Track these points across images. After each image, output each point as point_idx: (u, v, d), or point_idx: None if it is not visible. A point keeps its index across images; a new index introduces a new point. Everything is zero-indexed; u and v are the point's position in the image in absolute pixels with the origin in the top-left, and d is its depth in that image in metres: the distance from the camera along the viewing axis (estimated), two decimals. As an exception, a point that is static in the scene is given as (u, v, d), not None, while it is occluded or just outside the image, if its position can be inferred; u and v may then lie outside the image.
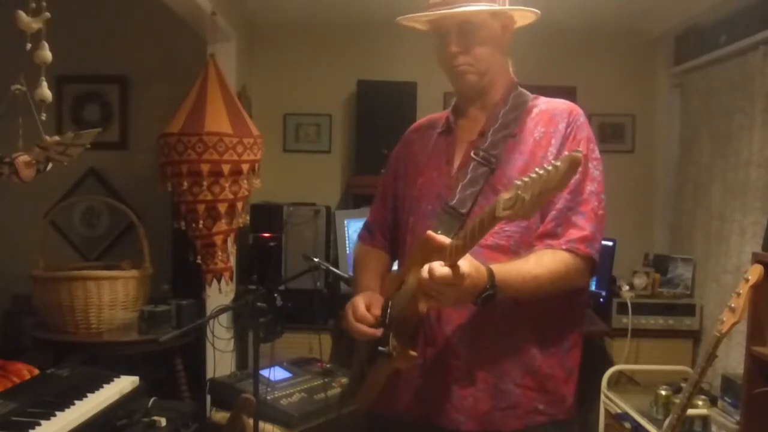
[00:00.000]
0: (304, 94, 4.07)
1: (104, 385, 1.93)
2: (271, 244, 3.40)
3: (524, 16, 1.54)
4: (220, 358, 3.09)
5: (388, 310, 1.46)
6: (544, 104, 1.53)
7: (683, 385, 2.43)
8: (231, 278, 3.16)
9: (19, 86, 1.66)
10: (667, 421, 2.27)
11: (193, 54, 3.36)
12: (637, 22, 3.90)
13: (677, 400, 2.26)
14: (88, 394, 1.83)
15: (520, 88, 1.57)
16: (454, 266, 1.21)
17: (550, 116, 1.48)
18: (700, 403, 2.74)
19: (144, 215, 3.42)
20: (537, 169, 1.03)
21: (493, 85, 1.54)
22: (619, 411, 3.06)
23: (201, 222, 2.94)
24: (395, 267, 1.72)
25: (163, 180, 3.00)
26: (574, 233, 1.40)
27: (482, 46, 1.48)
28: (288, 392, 2.65)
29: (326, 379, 2.75)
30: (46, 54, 1.62)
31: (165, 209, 3.46)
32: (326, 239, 3.50)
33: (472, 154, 1.49)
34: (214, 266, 3.03)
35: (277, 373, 2.78)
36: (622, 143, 4.07)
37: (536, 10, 1.52)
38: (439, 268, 1.21)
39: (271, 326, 2.22)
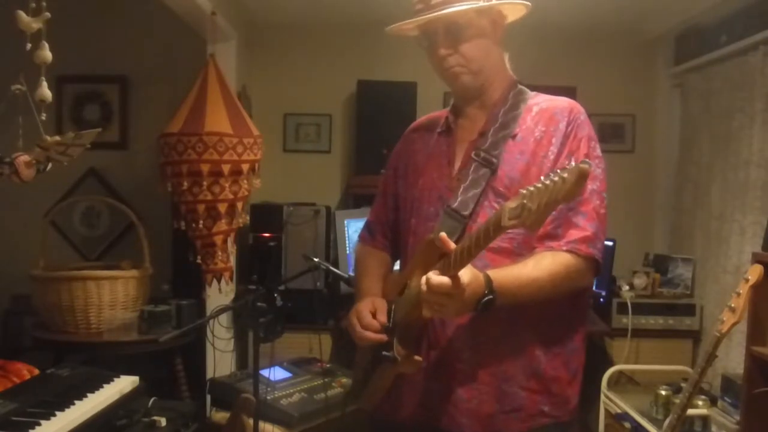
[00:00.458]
0: (304, 94, 4.07)
1: (104, 385, 1.93)
2: (271, 244, 3.40)
3: (515, 10, 1.52)
4: (220, 358, 3.09)
5: (392, 315, 1.46)
6: (544, 102, 1.51)
7: (683, 385, 2.43)
8: (231, 278, 3.16)
9: (19, 86, 1.67)
10: (667, 421, 2.27)
11: (193, 54, 3.36)
12: (637, 22, 3.90)
13: (677, 400, 2.25)
14: (88, 394, 1.83)
15: (520, 86, 1.55)
16: (454, 277, 1.20)
17: (551, 115, 1.47)
18: (700, 403, 2.74)
19: (144, 215, 3.42)
20: (543, 179, 1.02)
21: (490, 84, 1.52)
22: (619, 411, 3.06)
23: (201, 222, 2.94)
24: (396, 267, 1.71)
25: (163, 180, 3.00)
26: (574, 234, 1.38)
27: (471, 46, 1.46)
28: (288, 392, 2.65)
29: (326, 379, 2.75)
30: (46, 54, 1.62)
31: (165, 209, 3.46)
32: (326, 239, 3.50)
33: (472, 155, 1.47)
34: (214, 266, 3.03)
35: (277, 373, 2.78)
36: (622, 143, 4.07)
37: (526, 2, 1.50)
38: (435, 277, 1.21)
39: (271, 326, 2.21)
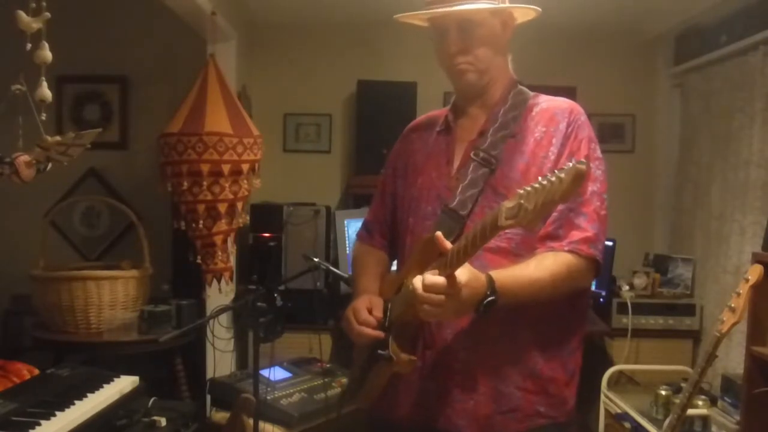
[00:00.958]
0: (304, 94, 4.07)
1: (104, 385, 1.93)
2: (271, 244, 3.40)
3: (525, 13, 1.53)
4: (220, 358, 3.09)
5: (388, 314, 1.46)
6: (544, 103, 1.50)
7: (683, 385, 2.43)
8: (231, 278, 3.16)
9: (19, 86, 1.67)
10: (667, 421, 2.27)
11: (193, 54, 3.36)
12: (637, 22, 3.90)
13: (677, 400, 2.26)
14: (88, 394, 1.83)
15: (520, 86, 1.55)
16: (450, 276, 1.20)
17: (551, 115, 1.46)
18: (700, 403, 2.74)
19: (144, 215, 3.42)
20: (540, 179, 1.02)
21: (493, 84, 1.52)
22: (619, 411, 3.06)
23: (201, 222, 2.94)
24: (394, 267, 1.71)
25: (163, 180, 3.00)
26: (576, 234, 1.38)
27: (482, 45, 1.47)
28: (288, 392, 2.66)
29: (326, 379, 2.75)
30: (46, 54, 1.62)
31: (165, 209, 3.46)
32: (326, 239, 3.50)
33: (471, 154, 1.47)
34: (214, 266, 3.03)
35: (277, 373, 2.78)
36: (622, 143, 4.07)
37: (537, 8, 1.51)
38: (430, 277, 1.20)
39: (271, 326, 2.21)
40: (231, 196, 2.96)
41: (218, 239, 3.00)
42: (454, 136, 1.56)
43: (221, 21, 3.13)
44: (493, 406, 1.42)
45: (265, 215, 3.46)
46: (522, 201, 1.03)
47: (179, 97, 3.10)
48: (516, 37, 1.56)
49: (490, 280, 1.27)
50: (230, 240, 3.06)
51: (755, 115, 3.03)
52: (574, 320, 1.49)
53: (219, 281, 3.07)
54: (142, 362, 3.01)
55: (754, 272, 2.10)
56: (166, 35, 3.73)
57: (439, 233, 1.26)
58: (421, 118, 1.73)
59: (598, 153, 1.47)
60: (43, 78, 1.65)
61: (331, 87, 4.05)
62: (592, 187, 1.41)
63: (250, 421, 2.28)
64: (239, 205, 3.03)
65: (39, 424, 1.58)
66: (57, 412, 1.66)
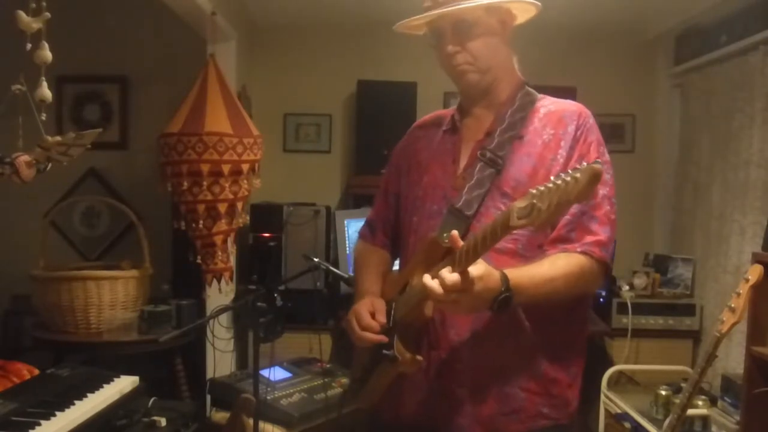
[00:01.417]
0: (304, 94, 4.07)
1: (104, 385, 1.94)
2: (271, 244, 3.40)
3: (524, 10, 1.52)
4: (220, 358, 3.09)
5: (392, 314, 1.45)
6: (552, 105, 1.50)
7: (683, 385, 2.43)
8: (231, 278, 3.16)
9: (19, 86, 1.67)
10: (667, 421, 2.27)
11: (193, 54, 3.36)
12: (637, 22, 3.90)
13: (677, 400, 2.26)
14: (88, 394, 1.84)
15: (527, 87, 1.54)
16: (463, 272, 1.19)
17: (559, 118, 1.46)
18: (700, 403, 2.74)
19: (144, 215, 3.42)
20: (554, 179, 1.01)
21: (498, 84, 1.51)
22: (619, 411, 3.06)
23: (201, 222, 2.94)
24: (396, 266, 1.70)
25: (163, 180, 3.00)
26: (589, 238, 1.38)
27: (479, 43, 1.46)
28: (288, 392, 2.66)
29: (326, 379, 2.75)
30: (46, 54, 1.62)
31: (165, 209, 3.45)
32: (326, 239, 3.50)
33: (478, 154, 1.46)
34: (214, 266, 3.03)
35: (277, 373, 2.78)
36: (622, 143, 4.07)
37: (536, 3, 1.49)
38: (449, 275, 1.20)
39: (271, 326, 2.22)
40: (231, 196, 2.96)
41: (218, 239, 3.00)
42: (461, 136, 1.55)
43: (221, 21, 3.13)
44: (496, 407, 1.41)
45: (265, 215, 3.46)
46: (535, 201, 1.02)
47: (179, 97, 3.10)
48: (516, 38, 1.56)
49: (504, 277, 1.26)
50: (230, 240, 3.06)
51: (755, 115, 3.03)
52: (578, 322, 1.49)
53: (219, 281, 3.07)
54: (142, 362, 3.01)
55: (754, 272, 2.10)
56: (166, 35, 3.73)
57: (454, 232, 1.25)
58: (427, 116, 1.72)
59: (606, 156, 1.46)
60: (43, 78, 1.65)
61: (331, 87, 4.05)
62: (602, 190, 1.40)
63: (250, 421, 2.28)
64: (239, 205, 3.03)
65: (39, 424, 1.58)
66: (57, 412, 1.66)
